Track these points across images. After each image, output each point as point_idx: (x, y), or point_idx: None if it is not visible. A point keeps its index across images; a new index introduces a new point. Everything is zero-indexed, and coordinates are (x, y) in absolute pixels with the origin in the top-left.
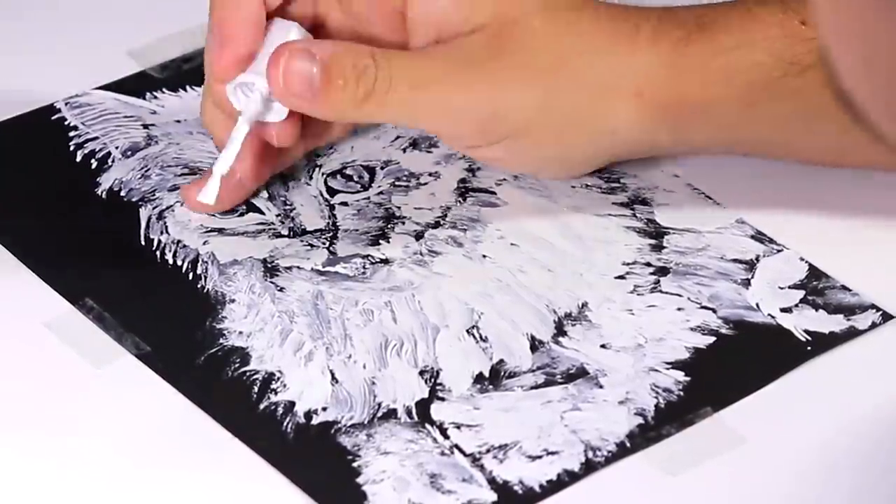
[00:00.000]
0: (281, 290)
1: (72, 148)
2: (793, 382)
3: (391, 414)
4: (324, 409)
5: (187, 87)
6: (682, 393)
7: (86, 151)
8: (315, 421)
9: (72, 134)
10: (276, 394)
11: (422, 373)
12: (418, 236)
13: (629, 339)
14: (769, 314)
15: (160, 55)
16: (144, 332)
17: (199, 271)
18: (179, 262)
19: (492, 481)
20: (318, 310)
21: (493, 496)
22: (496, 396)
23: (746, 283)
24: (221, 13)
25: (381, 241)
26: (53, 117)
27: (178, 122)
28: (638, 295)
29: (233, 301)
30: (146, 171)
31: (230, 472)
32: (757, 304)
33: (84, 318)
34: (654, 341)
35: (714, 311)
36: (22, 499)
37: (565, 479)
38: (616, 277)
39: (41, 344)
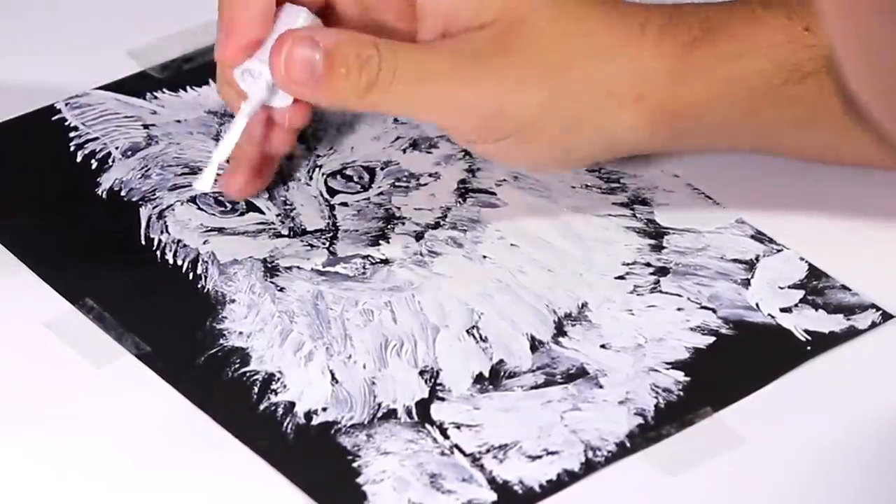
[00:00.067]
0: (281, 290)
1: (72, 148)
2: (793, 382)
3: (391, 414)
4: (324, 409)
5: (187, 87)
6: (681, 393)
7: (86, 151)
8: (315, 421)
9: (72, 134)
10: (276, 394)
11: (422, 373)
12: (418, 237)
13: (629, 339)
14: (769, 314)
15: (160, 55)
16: (144, 332)
17: (199, 271)
18: (180, 262)
19: (492, 481)
20: (319, 310)
21: (493, 496)
22: (496, 396)
23: (746, 283)
24: (230, 12)
25: (381, 242)
26: (54, 118)
27: (179, 122)
28: (638, 295)
29: (233, 301)
30: (146, 170)
31: (230, 473)
32: (757, 304)
33: (84, 317)
34: (654, 341)
35: (714, 311)
36: (22, 499)
37: (565, 479)
38: (616, 277)
39: (41, 344)
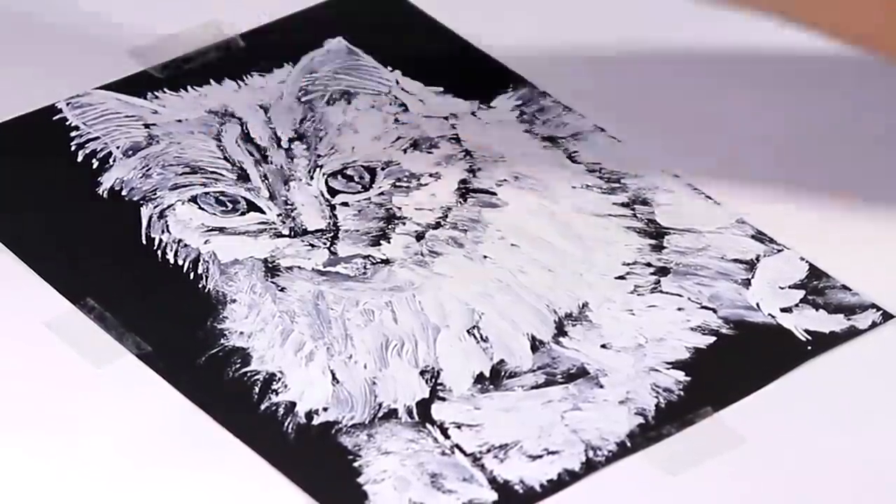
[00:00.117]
0: (282, 289)
1: (73, 148)
2: (793, 382)
3: (392, 414)
4: (325, 409)
5: (188, 87)
6: (682, 393)
7: (87, 151)
8: (316, 421)
9: (73, 134)
10: (276, 394)
11: (422, 373)
12: (419, 237)
13: (629, 339)
14: (769, 314)
15: (161, 55)
16: (145, 332)
17: (200, 271)
18: (180, 262)
19: (492, 481)
20: (319, 310)
21: (494, 496)
22: (497, 396)
23: (747, 283)
24: None
25: (381, 242)
26: (55, 117)
27: (180, 121)
28: (638, 295)
29: (234, 301)
30: (147, 170)
31: (231, 473)
32: (757, 304)
33: (85, 317)
34: (654, 341)
35: (714, 311)
36: (22, 498)
37: (566, 479)
38: (616, 277)
39: (42, 343)
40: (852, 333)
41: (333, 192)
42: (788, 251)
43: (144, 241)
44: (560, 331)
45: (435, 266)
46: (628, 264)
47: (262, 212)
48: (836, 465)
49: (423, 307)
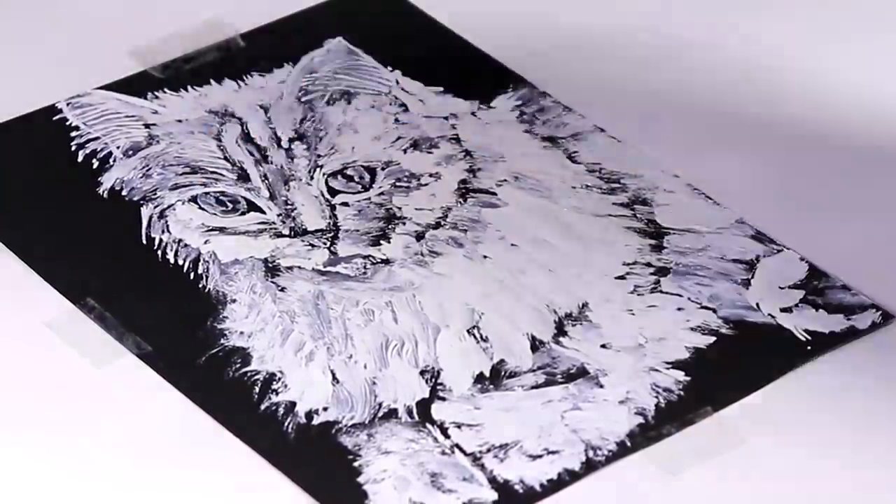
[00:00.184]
0: (282, 289)
1: (73, 148)
2: (793, 382)
3: (392, 414)
4: (325, 409)
5: (188, 87)
6: (682, 393)
7: (87, 151)
8: (316, 421)
9: (73, 134)
10: (277, 394)
11: (422, 373)
12: (419, 237)
13: (629, 339)
14: (769, 314)
15: (161, 55)
16: (145, 332)
17: (200, 271)
18: (181, 262)
19: (492, 480)
20: (319, 310)
21: (494, 495)
22: (497, 396)
23: (746, 284)
24: None
25: (381, 242)
26: (55, 117)
27: (180, 121)
28: (638, 295)
29: (234, 301)
30: (147, 170)
31: (231, 472)
32: (757, 304)
33: (85, 317)
34: (654, 341)
35: (714, 311)
36: (22, 498)
37: (566, 479)
38: (616, 278)
39: (42, 343)
40: (852, 333)
41: (333, 192)
42: (788, 251)
43: (144, 241)
44: (560, 331)
45: (435, 266)
46: (628, 264)
47: (263, 212)
48: (835, 465)
49: (423, 307)
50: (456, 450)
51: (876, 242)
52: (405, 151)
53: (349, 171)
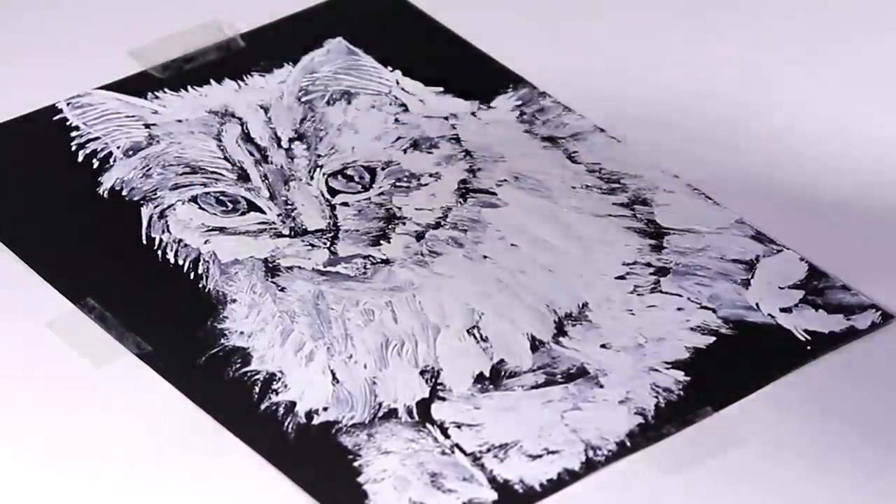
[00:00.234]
0: (282, 289)
1: (73, 148)
2: (793, 382)
3: (392, 413)
4: (325, 409)
5: (189, 87)
6: (682, 393)
7: (87, 151)
8: (316, 421)
9: (73, 134)
10: (277, 394)
11: (422, 373)
12: (419, 237)
13: (629, 339)
14: (769, 314)
15: (161, 55)
16: (146, 332)
17: (200, 271)
18: (181, 262)
19: (492, 480)
20: (319, 310)
21: (494, 495)
22: (497, 396)
23: (746, 284)
24: None
25: (381, 242)
26: (55, 117)
27: (180, 121)
28: (638, 295)
29: (234, 301)
30: (148, 170)
31: (231, 472)
32: (757, 304)
33: (85, 317)
34: (654, 341)
35: (714, 311)
36: (22, 497)
37: (566, 479)
38: (616, 278)
39: (42, 343)
40: (852, 334)
41: (333, 192)
42: (788, 251)
43: (145, 241)
44: (560, 331)
45: (435, 266)
46: (628, 264)
47: (263, 212)
48: (835, 465)
49: (423, 307)
50: (456, 450)
51: (876, 242)
52: (405, 151)
53: (349, 171)
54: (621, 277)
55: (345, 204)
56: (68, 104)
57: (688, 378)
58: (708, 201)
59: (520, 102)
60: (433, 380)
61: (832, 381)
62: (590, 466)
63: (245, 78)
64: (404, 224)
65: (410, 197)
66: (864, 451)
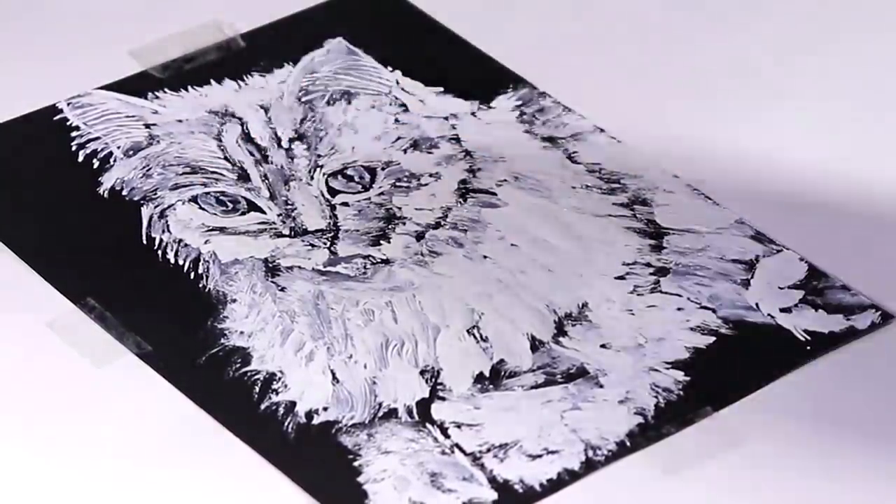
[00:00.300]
0: (282, 289)
1: (74, 148)
2: (793, 382)
3: (392, 413)
4: (325, 408)
5: (189, 87)
6: (681, 392)
7: (88, 151)
8: (316, 421)
9: (74, 134)
10: (277, 394)
11: (422, 372)
12: (419, 237)
13: (629, 339)
14: (769, 314)
15: (161, 55)
16: (146, 332)
17: (200, 271)
18: (181, 262)
19: (492, 480)
20: (319, 310)
21: (494, 495)
22: (497, 396)
23: (746, 284)
24: None
25: (381, 242)
26: (55, 117)
27: (180, 121)
28: (638, 295)
29: (234, 301)
30: (148, 170)
31: (231, 472)
32: (756, 305)
33: (85, 317)
34: (654, 341)
35: (714, 311)
36: (22, 497)
37: (565, 478)
38: (616, 278)
39: (42, 343)
40: (851, 334)
41: (333, 192)
42: (788, 251)
43: (145, 241)
44: (560, 331)
45: (435, 266)
46: (628, 264)
47: (263, 212)
48: (835, 465)
49: (423, 307)
50: (456, 449)
51: (876, 242)
52: (405, 151)
53: (349, 171)
54: (621, 277)
55: (345, 204)
56: (68, 104)
57: (688, 378)
58: (708, 201)
59: (520, 102)
60: (433, 380)
61: (832, 381)
62: (590, 466)
63: (245, 78)
64: (404, 224)
65: (410, 197)
66: (864, 450)
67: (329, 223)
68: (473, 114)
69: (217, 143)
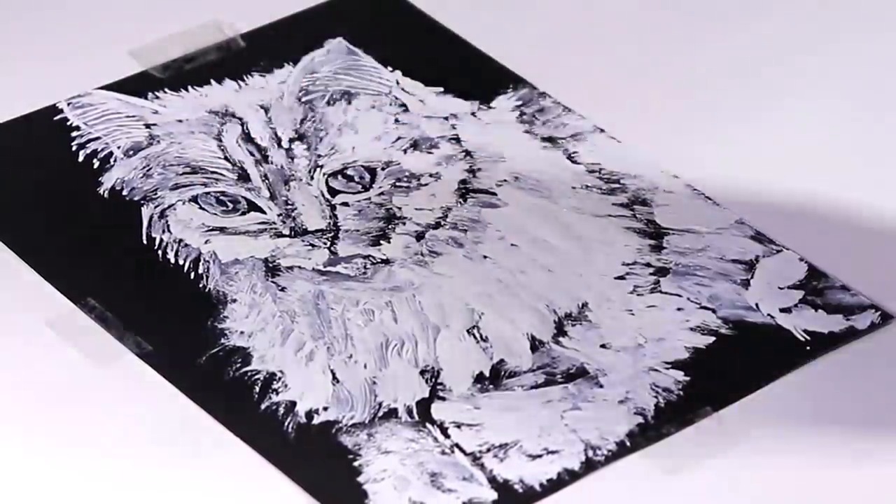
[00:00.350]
0: (282, 289)
1: (74, 148)
2: (793, 382)
3: (392, 413)
4: (325, 408)
5: (189, 87)
6: (681, 392)
7: (88, 151)
8: (316, 420)
9: (74, 134)
10: (277, 394)
11: (422, 372)
12: (419, 237)
13: (629, 339)
14: (769, 314)
15: (161, 55)
16: (146, 332)
17: (200, 270)
18: (181, 262)
19: (492, 480)
20: (320, 309)
21: (494, 495)
22: (496, 396)
23: (746, 284)
24: None
25: (381, 242)
26: (56, 117)
27: (180, 121)
28: (638, 295)
29: (234, 301)
30: (148, 170)
31: (231, 472)
32: (756, 305)
33: (86, 317)
34: (653, 341)
35: (714, 311)
36: (22, 497)
37: (565, 478)
38: (616, 278)
39: (43, 343)
40: (851, 334)
41: (334, 192)
42: (788, 251)
43: (145, 241)
44: (560, 331)
45: (435, 266)
46: (628, 264)
47: (263, 212)
48: (835, 465)
49: (423, 307)
50: (456, 449)
51: (876, 242)
52: (405, 151)
53: (349, 171)
54: (621, 277)
55: (345, 204)
56: (69, 104)
57: (687, 378)
58: (708, 201)
59: (520, 102)
60: (433, 380)
61: (832, 381)
62: (589, 466)
63: (245, 78)
64: (404, 224)
65: (410, 197)
66: (864, 450)
67: (329, 223)
68: (473, 114)
69: (217, 143)
